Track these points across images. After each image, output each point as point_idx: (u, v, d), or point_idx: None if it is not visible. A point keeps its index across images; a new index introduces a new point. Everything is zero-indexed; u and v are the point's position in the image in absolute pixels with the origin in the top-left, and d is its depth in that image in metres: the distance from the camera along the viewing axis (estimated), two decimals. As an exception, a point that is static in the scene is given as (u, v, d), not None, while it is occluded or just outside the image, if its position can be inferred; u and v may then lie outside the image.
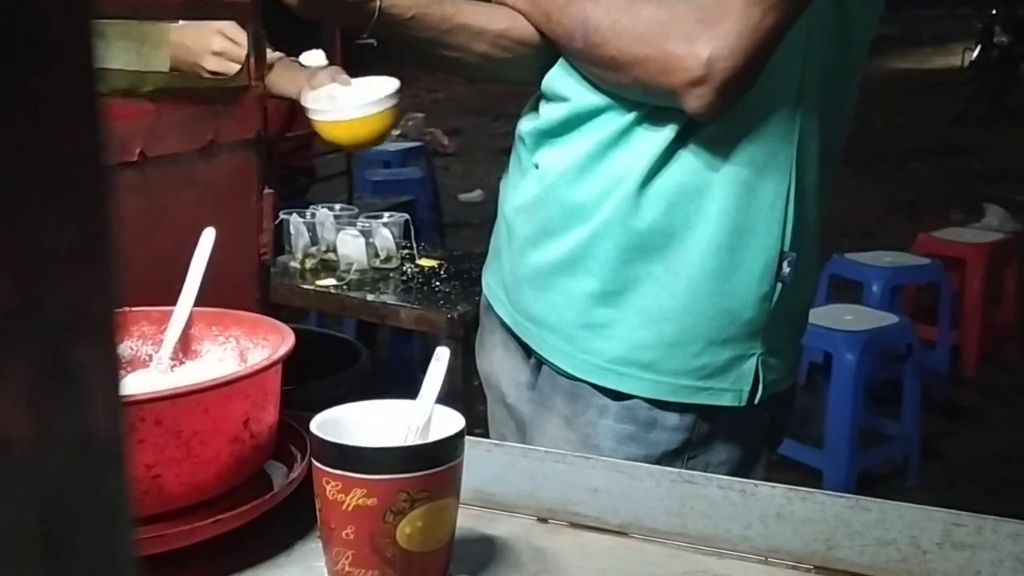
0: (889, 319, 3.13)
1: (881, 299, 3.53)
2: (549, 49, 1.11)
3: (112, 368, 0.13)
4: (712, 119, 1.00)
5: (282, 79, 1.90)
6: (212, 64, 1.58)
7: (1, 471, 0.12)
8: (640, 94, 1.03)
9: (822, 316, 3.00)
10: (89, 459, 0.13)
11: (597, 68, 1.04)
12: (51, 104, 0.12)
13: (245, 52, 1.51)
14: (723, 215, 1.03)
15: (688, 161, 1.03)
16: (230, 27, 1.60)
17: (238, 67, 1.58)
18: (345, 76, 1.81)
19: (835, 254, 3.79)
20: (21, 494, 0.12)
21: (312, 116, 1.70)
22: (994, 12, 10.28)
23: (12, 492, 0.12)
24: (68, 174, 0.13)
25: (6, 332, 0.12)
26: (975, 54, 10.09)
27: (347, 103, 1.62)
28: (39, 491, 0.13)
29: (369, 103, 1.59)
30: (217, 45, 1.57)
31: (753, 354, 1.06)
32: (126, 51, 1.03)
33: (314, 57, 1.90)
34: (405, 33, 1.11)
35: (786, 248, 1.05)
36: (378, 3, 1.07)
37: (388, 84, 1.72)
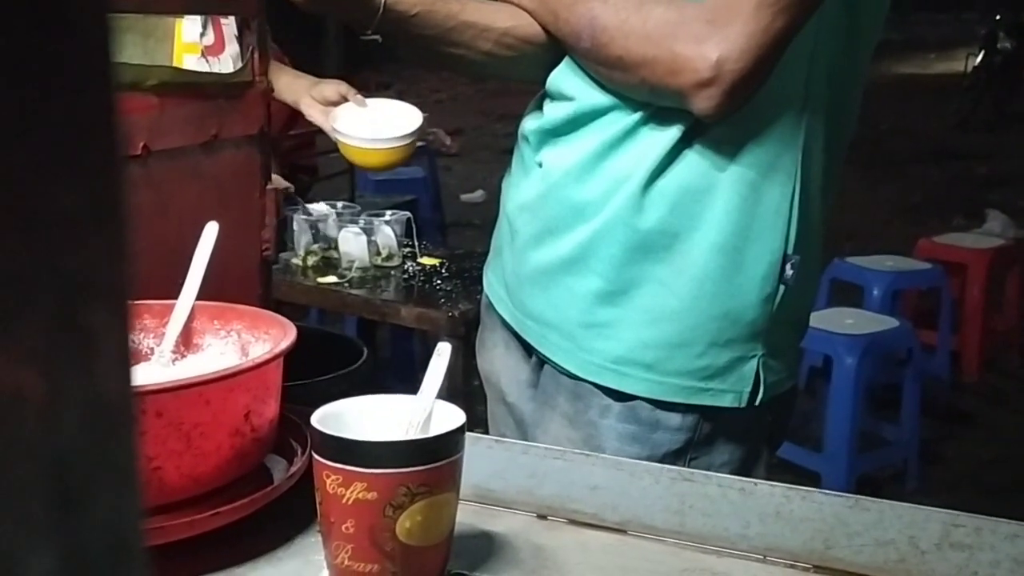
0: (890, 323, 3.13)
1: (882, 303, 3.54)
2: (555, 47, 1.11)
3: (124, 330, 0.13)
4: (719, 121, 1.00)
5: (280, 84, 1.90)
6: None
7: (13, 430, 0.12)
8: (647, 94, 1.02)
9: (822, 320, 3.00)
10: (100, 419, 0.13)
11: (604, 68, 1.04)
12: (66, 66, 0.13)
13: None
14: (727, 216, 1.03)
15: (693, 162, 1.03)
16: None
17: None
18: (359, 95, 1.82)
19: (836, 258, 3.79)
20: (33, 453, 0.13)
21: (347, 141, 1.73)
22: (998, 18, 10.29)
23: (24, 451, 0.12)
24: (82, 135, 0.13)
25: (19, 292, 0.12)
26: (978, 59, 10.10)
27: (382, 131, 1.67)
28: (51, 450, 0.13)
29: (405, 134, 1.63)
30: None
31: (754, 355, 1.06)
32: (131, 45, 1.03)
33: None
34: (410, 30, 1.11)
35: (789, 250, 1.05)
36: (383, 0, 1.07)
37: (413, 113, 1.76)
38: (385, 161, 1.68)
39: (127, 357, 0.13)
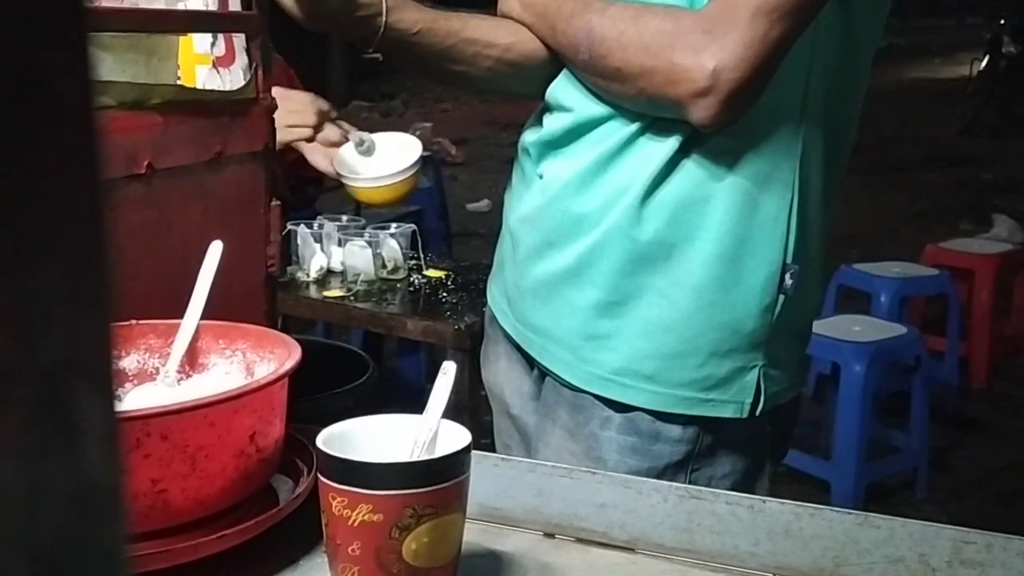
0: (897, 330, 3.12)
1: (889, 310, 3.53)
2: (555, 63, 1.11)
3: (109, 414, 0.13)
4: (717, 130, 1.00)
5: (281, 130, 1.90)
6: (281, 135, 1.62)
7: (-4, 521, 0.12)
8: (645, 105, 1.02)
9: (830, 327, 2.99)
10: (85, 506, 0.13)
11: (602, 79, 1.04)
12: (49, 149, 0.12)
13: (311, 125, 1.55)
14: (726, 227, 1.02)
15: (691, 172, 1.03)
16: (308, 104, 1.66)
17: (305, 133, 1.65)
18: (358, 133, 1.83)
19: (843, 264, 3.79)
20: (16, 544, 0.12)
21: (349, 182, 1.76)
22: (1002, 22, 10.28)
23: (7, 542, 0.12)
24: (65, 218, 0.12)
25: (0, 378, 0.12)
26: (983, 64, 10.09)
27: (381, 168, 1.68)
28: (35, 541, 0.12)
29: (404, 168, 1.65)
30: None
31: (755, 366, 1.06)
32: (134, 63, 1.03)
33: None
34: (411, 48, 1.11)
35: (788, 260, 1.04)
36: (384, 18, 1.07)
37: (412, 144, 1.77)
38: (390, 196, 1.70)
39: (114, 440, 0.13)
